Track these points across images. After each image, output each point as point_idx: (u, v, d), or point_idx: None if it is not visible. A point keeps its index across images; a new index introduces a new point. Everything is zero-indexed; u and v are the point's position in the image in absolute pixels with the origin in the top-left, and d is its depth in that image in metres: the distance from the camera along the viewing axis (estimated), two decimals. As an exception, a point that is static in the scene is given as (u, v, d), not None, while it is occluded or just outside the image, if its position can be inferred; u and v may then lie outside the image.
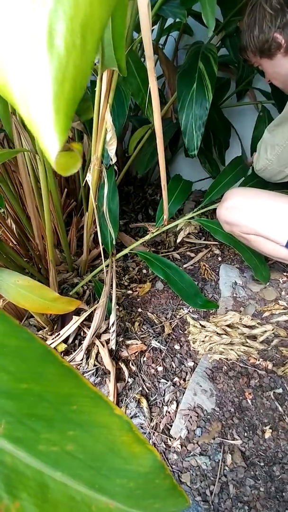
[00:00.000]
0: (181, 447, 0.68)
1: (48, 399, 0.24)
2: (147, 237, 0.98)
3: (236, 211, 0.83)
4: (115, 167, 0.97)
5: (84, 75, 0.20)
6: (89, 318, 0.92)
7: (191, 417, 0.72)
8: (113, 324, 0.84)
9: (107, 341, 0.88)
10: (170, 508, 0.26)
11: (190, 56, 0.90)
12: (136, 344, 0.89)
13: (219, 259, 1.16)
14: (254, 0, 0.77)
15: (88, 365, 0.85)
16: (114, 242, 0.94)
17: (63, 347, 0.87)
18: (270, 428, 0.69)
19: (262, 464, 0.66)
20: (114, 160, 0.62)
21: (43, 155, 0.69)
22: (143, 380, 0.81)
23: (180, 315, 0.97)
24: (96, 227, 0.95)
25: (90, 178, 0.61)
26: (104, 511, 0.23)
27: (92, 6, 0.20)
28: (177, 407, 0.74)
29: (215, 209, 1.10)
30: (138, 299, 1.04)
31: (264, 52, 0.79)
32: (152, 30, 1.12)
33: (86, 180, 0.69)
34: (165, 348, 0.88)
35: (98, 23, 0.21)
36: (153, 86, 0.49)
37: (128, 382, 0.81)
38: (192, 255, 1.19)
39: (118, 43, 0.39)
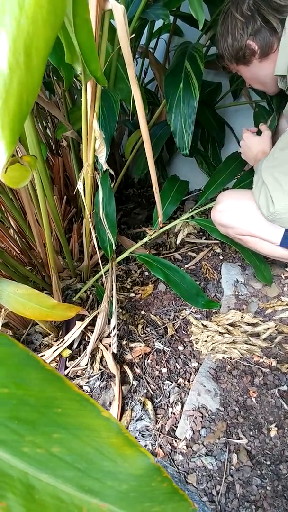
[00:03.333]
0: (187, 448, 0.69)
1: (31, 403, 0.24)
2: (145, 240, 0.99)
3: (229, 213, 0.83)
4: (112, 172, 0.99)
5: (32, 91, 0.21)
6: (93, 323, 0.93)
7: (196, 417, 0.72)
8: (114, 328, 0.85)
9: (111, 345, 0.89)
10: None
11: (177, 57, 0.91)
12: (140, 346, 0.89)
13: (221, 257, 1.16)
14: (225, 9, 0.78)
15: (93, 369, 0.86)
16: (113, 247, 0.95)
17: (68, 352, 0.88)
18: (275, 426, 0.69)
19: (268, 462, 0.65)
20: (105, 167, 0.63)
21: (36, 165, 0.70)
22: (148, 383, 0.81)
23: (183, 316, 0.97)
24: (95, 233, 0.96)
25: (82, 186, 0.62)
26: None
27: (35, 25, 0.21)
28: (182, 408, 0.75)
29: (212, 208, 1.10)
30: (141, 302, 1.05)
31: (239, 59, 0.80)
32: (142, 34, 1.13)
33: (80, 182, 0.71)
34: (169, 349, 0.88)
35: (42, 41, 0.21)
36: (137, 95, 0.50)
37: (133, 385, 0.81)
38: (194, 255, 1.20)
39: (89, 57, 0.40)
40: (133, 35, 0.94)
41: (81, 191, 0.63)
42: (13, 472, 0.23)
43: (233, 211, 0.83)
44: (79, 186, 0.62)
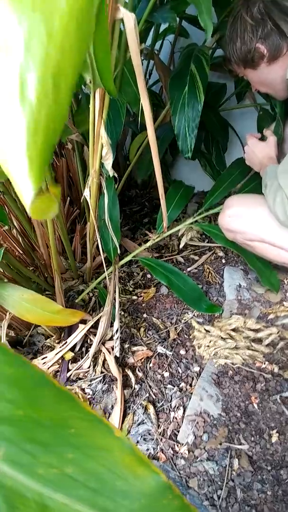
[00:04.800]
0: (188, 452, 0.69)
1: (45, 424, 0.25)
2: (148, 244, 0.99)
3: (239, 218, 0.83)
4: (115, 174, 0.99)
5: (59, 122, 0.21)
6: (95, 326, 0.93)
7: (197, 422, 0.73)
8: (116, 331, 0.85)
9: (113, 348, 0.89)
10: None
11: (182, 59, 0.91)
12: (142, 350, 0.90)
13: (223, 261, 1.16)
14: (235, 12, 0.78)
15: (95, 372, 0.86)
16: (117, 251, 0.95)
17: (70, 355, 0.89)
18: (277, 432, 0.70)
19: (269, 468, 0.66)
20: (112, 173, 0.63)
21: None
22: (150, 386, 0.82)
23: (185, 320, 0.97)
24: (99, 235, 0.96)
25: (89, 193, 0.62)
26: None
27: (63, 53, 0.21)
28: (184, 413, 0.75)
29: (217, 213, 1.10)
30: (143, 305, 1.05)
31: (247, 63, 0.79)
32: (147, 36, 1.12)
33: (87, 189, 0.71)
34: (171, 353, 0.89)
35: (70, 69, 0.21)
36: (145, 102, 0.49)
37: (135, 388, 0.82)
38: (196, 258, 1.20)
39: (103, 71, 0.40)
40: (143, 45, 0.94)
41: (88, 198, 0.63)
42: (28, 492, 0.23)
43: (243, 217, 0.82)
44: (86, 193, 0.62)
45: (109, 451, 0.26)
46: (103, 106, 0.55)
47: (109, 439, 0.26)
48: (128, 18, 0.42)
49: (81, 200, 1.23)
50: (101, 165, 0.70)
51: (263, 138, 0.91)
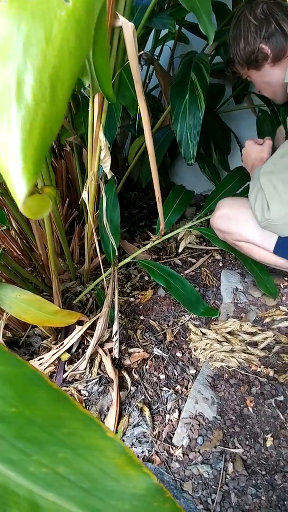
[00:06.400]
0: (183, 455, 0.69)
1: (38, 422, 0.25)
2: (147, 246, 1.00)
3: (228, 219, 0.85)
4: (115, 177, 0.99)
5: (55, 123, 0.21)
6: (92, 327, 0.93)
7: (192, 425, 0.73)
8: (116, 333, 0.86)
9: (110, 350, 0.89)
10: None
11: (182, 67, 0.92)
12: (139, 352, 0.90)
13: (220, 264, 1.16)
14: (238, 13, 0.78)
15: (91, 373, 0.86)
16: (116, 253, 0.95)
17: (66, 356, 0.89)
18: (271, 437, 0.70)
19: (263, 472, 0.66)
20: (110, 176, 0.63)
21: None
22: (146, 389, 0.82)
23: (182, 322, 0.98)
24: (98, 236, 0.97)
25: (87, 195, 0.63)
26: None
27: (61, 58, 0.21)
28: (179, 415, 0.75)
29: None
30: (140, 307, 1.06)
31: (251, 64, 0.80)
32: (147, 41, 1.13)
33: (85, 191, 0.71)
34: (167, 355, 0.89)
35: (68, 74, 0.22)
36: (143, 109, 0.50)
37: (130, 390, 0.82)
38: (193, 260, 1.20)
39: (103, 77, 0.41)
40: (141, 51, 0.95)
41: (86, 200, 0.63)
42: (19, 490, 0.23)
43: (230, 217, 0.85)
44: (84, 195, 0.63)
45: (101, 451, 0.26)
46: (102, 110, 0.55)
47: (102, 439, 0.26)
48: (127, 27, 0.43)
49: (79, 201, 1.24)
50: (100, 168, 0.71)
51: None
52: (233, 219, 0.84)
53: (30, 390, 0.24)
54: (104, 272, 0.92)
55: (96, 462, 0.26)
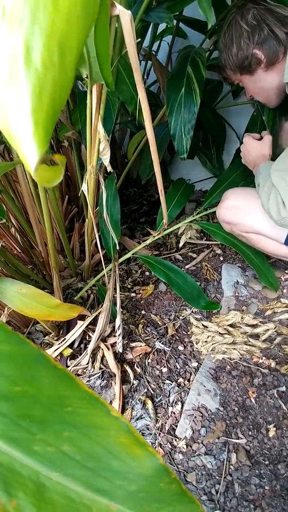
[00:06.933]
0: (187, 447, 0.69)
1: (42, 401, 0.24)
2: (148, 241, 1.00)
3: (236, 210, 0.84)
4: (115, 174, 0.99)
5: (64, 89, 0.21)
6: (94, 322, 0.93)
7: (195, 417, 0.73)
8: (119, 328, 0.86)
9: (112, 345, 0.89)
10: None
11: (179, 61, 0.92)
12: (141, 346, 0.90)
13: (221, 258, 1.16)
14: (229, 19, 0.78)
15: (94, 368, 0.86)
16: (117, 247, 0.95)
17: (69, 351, 0.89)
18: (274, 427, 0.70)
19: (267, 462, 0.66)
20: (109, 168, 0.63)
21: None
22: (148, 382, 0.82)
23: (183, 316, 0.98)
24: (98, 232, 0.97)
25: (86, 188, 0.63)
26: None
27: (69, 23, 0.21)
28: (182, 408, 0.75)
29: (215, 211, 1.11)
30: (142, 302, 1.06)
31: (244, 69, 0.79)
32: (145, 36, 1.14)
33: (84, 183, 0.71)
34: (169, 349, 0.89)
35: (76, 40, 0.22)
36: (143, 100, 0.50)
37: (133, 384, 0.82)
38: (194, 255, 1.20)
39: (103, 62, 0.41)
40: (139, 39, 0.95)
41: (86, 193, 0.63)
42: (24, 470, 0.22)
43: (238, 209, 0.83)
44: (84, 187, 0.63)
45: (106, 430, 0.26)
46: (100, 101, 0.55)
47: (106, 418, 0.26)
48: (124, 15, 0.43)
49: (79, 195, 1.24)
50: (99, 162, 0.71)
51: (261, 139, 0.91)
52: (242, 210, 0.83)
53: (33, 369, 0.24)
54: (105, 268, 0.92)
55: (101, 441, 0.25)
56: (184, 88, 0.86)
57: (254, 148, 0.88)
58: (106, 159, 0.61)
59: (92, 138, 0.61)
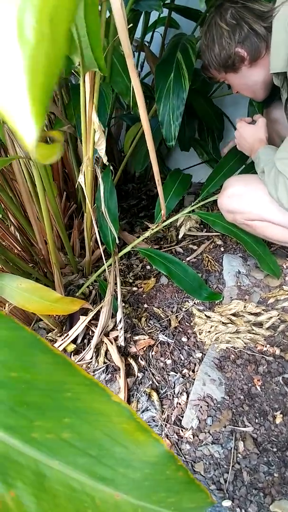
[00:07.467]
0: (193, 437, 0.69)
1: (39, 387, 0.23)
2: (147, 234, 0.99)
3: (239, 198, 0.82)
4: (111, 167, 0.99)
5: (56, 64, 0.21)
6: (96, 317, 0.93)
7: (201, 407, 0.72)
8: (120, 321, 0.85)
9: (115, 338, 0.89)
10: (187, 504, 0.25)
11: (169, 48, 0.91)
12: (144, 339, 0.90)
13: (222, 249, 1.16)
14: (208, 19, 0.78)
15: (98, 363, 0.86)
16: (116, 241, 0.95)
17: (72, 347, 0.89)
18: (281, 413, 0.70)
19: (275, 449, 0.66)
20: (105, 159, 0.63)
21: (36, 162, 0.70)
22: (153, 374, 0.82)
23: (185, 308, 0.97)
24: (97, 227, 0.96)
25: (83, 179, 0.62)
26: (109, 503, 0.22)
27: None
28: (187, 398, 0.75)
29: (214, 201, 1.10)
30: (144, 295, 1.05)
31: (228, 68, 0.80)
32: (136, 27, 1.12)
33: (81, 175, 0.70)
34: (173, 341, 0.88)
35: (65, 13, 0.21)
36: (136, 84, 0.49)
37: (138, 377, 0.82)
38: (195, 247, 1.20)
39: (94, 42, 0.40)
40: (131, 24, 0.94)
41: (82, 184, 0.63)
42: (22, 459, 0.21)
43: (243, 196, 0.82)
44: (80, 179, 0.62)
45: (108, 416, 0.25)
46: (94, 90, 0.55)
47: (107, 404, 0.25)
48: (114, -2, 0.42)
49: (76, 188, 1.23)
50: (96, 155, 0.70)
51: (253, 123, 0.90)
52: (245, 197, 0.81)
53: (30, 354, 0.24)
54: (105, 262, 0.92)
55: (103, 427, 0.24)
56: (173, 73, 0.85)
57: (248, 133, 0.86)
58: (101, 150, 0.60)
59: (87, 129, 0.60)
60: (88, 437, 0.24)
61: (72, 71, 0.64)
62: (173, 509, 0.25)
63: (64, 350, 0.88)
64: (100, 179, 0.76)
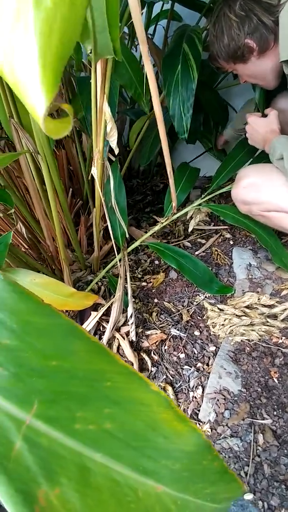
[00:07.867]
0: (211, 430, 0.68)
1: (79, 376, 0.22)
2: (156, 228, 0.98)
3: (255, 188, 0.81)
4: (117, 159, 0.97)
5: (74, 29, 0.19)
6: (107, 313, 0.92)
7: (218, 400, 0.72)
8: (131, 316, 0.85)
9: (127, 334, 0.88)
10: (222, 494, 0.24)
11: (175, 39, 0.90)
12: (156, 333, 0.89)
13: (231, 242, 1.15)
14: (217, 11, 0.79)
15: (110, 359, 0.85)
16: (126, 235, 0.94)
17: (84, 343, 0.88)
18: (299, 405, 0.69)
19: (295, 441, 0.65)
20: (117, 151, 0.61)
21: (45, 155, 0.69)
22: (167, 368, 0.81)
23: (197, 302, 0.96)
24: (105, 223, 0.95)
25: (96, 171, 0.61)
26: (151, 496, 0.21)
27: None
28: (203, 392, 0.74)
29: (221, 194, 1.09)
30: (153, 290, 1.04)
31: (238, 58, 0.80)
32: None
33: (90, 177, 0.70)
34: (185, 335, 0.88)
35: None
36: (149, 71, 0.48)
37: (151, 371, 0.81)
38: (203, 241, 1.19)
39: (113, 21, 0.39)
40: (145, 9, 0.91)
41: (95, 176, 0.62)
42: (66, 453, 0.20)
43: (258, 186, 0.80)
44: (93, 171, 0.61)
45: (148, 405, 0.24)
46: (105, 78, 0.53)
47: (146, 393, 0.24)
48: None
49: (90, 178, 1.21)
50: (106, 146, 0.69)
51: (264, 116, 0.89)
52: (262, 187, 0.80)
53: (68, 342, 0.22)
54: (115, 257, 0.91)
55: (144, 417, 0.23)
56: (180, 65, 0.84)
57: (261, 126, 0.85)
58: (113, 141, 0.59)
59: (98, 121, 0.59)
60: (130, 428, 0.22)
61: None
62: (209, 500, 0.25)
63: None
64: (110, 172, 0.75)
